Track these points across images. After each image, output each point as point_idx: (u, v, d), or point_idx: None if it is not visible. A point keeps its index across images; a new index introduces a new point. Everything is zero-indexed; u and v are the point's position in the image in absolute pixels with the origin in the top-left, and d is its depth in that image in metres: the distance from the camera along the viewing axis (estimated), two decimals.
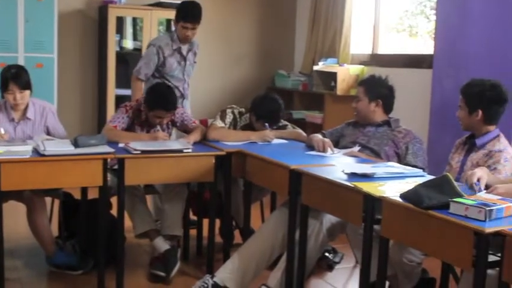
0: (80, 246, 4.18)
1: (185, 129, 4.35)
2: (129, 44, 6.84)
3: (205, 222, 4.23)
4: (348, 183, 3.04)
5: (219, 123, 4.34)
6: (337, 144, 4.02)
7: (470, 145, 3.44)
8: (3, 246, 3.57)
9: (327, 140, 3.93)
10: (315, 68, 6.64)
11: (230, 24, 7.42)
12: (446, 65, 5.18)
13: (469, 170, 3.26)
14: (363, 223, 2.98)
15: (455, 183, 2.68)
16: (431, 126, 5.30)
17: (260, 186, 4.14)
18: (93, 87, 6.91)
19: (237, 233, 4.57)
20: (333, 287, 4.09)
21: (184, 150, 3.84)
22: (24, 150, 3.49)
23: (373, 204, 2.89)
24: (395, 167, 3.39)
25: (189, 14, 4.77)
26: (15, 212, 4.37)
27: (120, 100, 6.11)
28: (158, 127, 4.22)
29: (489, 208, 2.42)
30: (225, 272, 3.69)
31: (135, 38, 6.93)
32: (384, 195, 2.82)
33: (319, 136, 4.02)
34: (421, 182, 2.80)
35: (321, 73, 6.56)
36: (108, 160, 3.66)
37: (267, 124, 4.26)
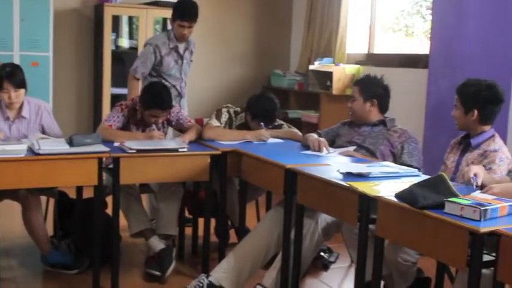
0: (75, 245, 4.17)
1: (180, 129, 4.35)
2: (125, 42, 6.83)
3: (201, 221, 4.24)
4: (343, 183, 3.04)
5: (215, 122, 4.33)
6: (332, 144, 4.02)
7: (465, 145, 3.45)
8: None
9: (322, 139, 3.93)
10: (311, 67, 6.63)
11: (226, 23, 7.42)
12: (442, 65, 5.18)
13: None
14: (358, 223, 2.98)
15: (451, 183, 2.69)
16: (426, 126, 5.30)
17: (255, 186, 4.13)
18: (89, 86, 6.90)
19: (232, 232, 4.57)
20: (328, 286, 4.09)
21: (180, 150, 3.84)
22: (19, 149, 3.48)
23: (369, 203, 2.89)
24: (390, 166, 3.39)
25: (185, 13, 4.77)
26: (11, 211, 4.37)
27: (115, 99, 6.10)
28: (153, 126, 4.21)
29: (484, 208, 2.42)
30: (220, 272, 3.69)
31: (131, 36, 6.91)
32: (379, 195, 2.83)
33: (314, 136, 4.02)
34: (416, 181, 2.80)
35: (317, 72, 6.56)
36: (104, 159, 3.66)
37: (262, 123, 4.26)
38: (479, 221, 2.39)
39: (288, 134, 4.42)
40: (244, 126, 4.38)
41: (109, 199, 3.87)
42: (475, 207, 2.42)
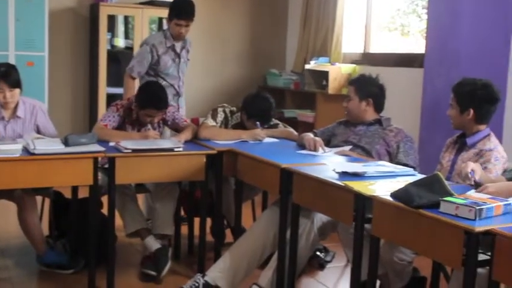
0: (71, 245, 4.16)
1: (176, 128, 4.35)
2: (120, 42, 6.82)
3: (197, 221, 4.23)
4: (339, 182, 3.04)
5: (210, 122, 4.33)
6: (328, 143, 4.02)
7: (461, 144, 3.45)
8: None
9: (318, 139, 3.93)
10: (307, 66, 6.63)
11: (222, 22, 7.41)
12: (438, 64, 5.18)
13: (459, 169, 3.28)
14: (353, 222, 2.97)
15: (446, 182, 2.69)
16: (422, 125, 5.31)
17: (251, 185, 4.13)
18: (85, 85, 6.89)
19: (228, 232, 4.57)
20: (324, 285, 4.09)
21: (175, 149, 3.84)
22: (14, 149, 3.47)
23: (364, 203, 2.89)
24: (386, 166, 3.39)
25: (182, 11, 4.78)
26: (6, 211, 4.36)
27: (111, 99, 6.09)
28: (149, 126, 4.21)
29: (479, 207, 2.42)
30: (216, 271, 3.68)
31: (126, 36, 6.91)
32: (375, 194, 2.83)
33: (310, 135, 4.02)
34: (411, 181, 2.80)
35: (313, 72, 6.56)
36: (99, 159, 3.66)
37: (258, 123, 4.26)
38: (475, 220, 2.39)
39: (283, 134, 4.42)
40: (240, 126, 4.38)
41: (104, 199, 3.87)
42: (470, 206, 2.42)
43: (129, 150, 3.68)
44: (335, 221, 3.56)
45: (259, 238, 3.73)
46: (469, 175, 2.91)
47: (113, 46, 6.74)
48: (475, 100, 3.33)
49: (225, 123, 4.42)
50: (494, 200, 2.55)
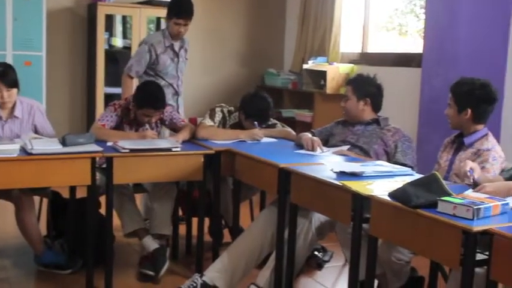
0: (69, 245, 4.16)
1: (174, 128, 4.34)
2: (118, 42, 6.81)
3: (195, 221, 4.23)
4: (337, 182, 3.04)
5: (208, 121, 4.33)
6: (326, 143, 4.02)
7: (458, 144, 3.46)
8: None
9: (316, 138, 3.93)
10: (305, 66, 6.63)
11: (220, 22, 7.41)
12: (435, 64, 5.19)
13: (457, 168, 3.28)
14: (351, 222, 2.97)
15: (444, 182, 2.69)
16: (420, 124, 5.31)
17: (249, 185, 4.13)
18: (82, 85, 6.88)
19: (226, 231, 4.57)
20: (322, 285, 4.09)
21: (173, 149, 3.83)
22: (11, 149, 3.47)
23: (362, 203, 2.89)
24: (384, 165, 3.39)
25: (181, 10, 4.79)
26: (4, 211, 4.36)
27: (109, 98, 6.09)
28: (147, 126, 4.21)
29: (477, 207, 2.42)
30: (214, 271, 3.68)
31: (124, 36, 6.90)
32: (373, 194, 2.83)
33: (308, 135, 4.02)
34: (409, 180, 2.80)
35: (311, 72, 6.56)
36: (97, 159, 3.65)
37: (256, 123, 4.26)
38: (472, 220, 2.39)
39: (281, 133, 4.42)
40: (238, 126, 4.38)
41: (102, 199, 3.86)
42: (468, 206, 2.42)
43: (127, 150, 3.68)
44: (333, 220, 3.55)
45: (257, 238, 3.73)
46: (468, 173, 2.91)
47: (110, 46, 6.74)
48: (473, 100, 3.33)
49: (223, 123, 4.42)
50: (492, 199, 2.55)
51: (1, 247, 4.42)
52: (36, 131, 4.07)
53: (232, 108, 4.47)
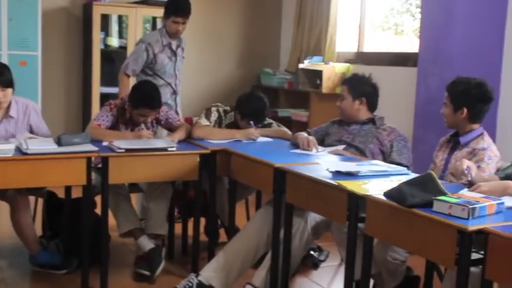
0: (64, 245, 4.15)
1: (170, 128, 4.34)
2: (114, 41, 6.80)
3: (191, 220, 4.22)
4: (332, 182, 3.04)
5: (204, 121, 4.32)
6: (322, 143, 4.02)
7: (454, 143, 3.46)
8: None
9: (311, 137, 3.93)
10: (301, 66, 6.62)
11: (216, 22, 7.40)
12: (431, 64, 5.19)
13: (453, 167, 3.28)
14: (347, 221, 2.97)
15: (439, 181, 2.68)
16: (415, 124, 5.31)
17: (245, 185, 4.13)
18: (78, 85, 6.87)
19: (222, 231, 4.56)
20: (318, 285, 4.09)
21: (169, 149, 3.83)
22: (6, 148, 3.46)
23: (357, 202, 2.89)
24: (379, 165, 3.39)
25: (180, 8, 4.80)
26: None
27: (105, 98, 6.06)
28: (142, 125, 4.20)
29: (472, 206, 2.42)
30: (209, 271, 3.68)
31: (120, 35, 6.89)
32: (368, 194, 2.83)
33: (304, 134, 4.01)
34: (405, 180, 2.80)
35: (307, 71, 6.55)
36: (92, 159, 3.64)
37: (252, 122, 4.26)
38: (468, 219, 2.40)
39: (277, 133, 4.42)
40: (233, 125, 4.37)
41: (98, 199, 3.86)
42: (464, 205, 2.43)
43: (123, 150, 3.67)
44: (329, 220, 3.55)
45: (253, 238, 3.72)
46: (465, 171, 2.91)
47: (106, 45, 6.72)
48: (468, 99, 3.34)
49: (219, 123, 4.41)
50: (487, 199, 2.56)
51: None
52: (31, 131, 4.05)
53: (228, 108, 4.47)
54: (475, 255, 2.42)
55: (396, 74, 5.65)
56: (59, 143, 3.60)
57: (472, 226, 2.34)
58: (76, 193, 3.93)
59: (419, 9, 5.72)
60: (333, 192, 3.03)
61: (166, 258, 4.18)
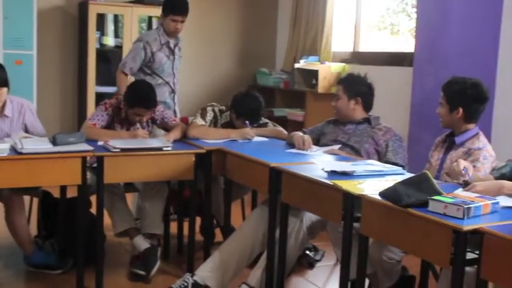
0: (59, 245, 4.14)
1: (165, 127, 4.33)
2: (110, 41, 6.78)
3: (186, 220, 4.22)
4: (328, 181, 3.04)
5: (200, 121, 4.32)
6: (317, 142, 4.02)
7: (449, 143, 3.46)
8: None
9: (307, 136, 3.93)
10: (297, 65, 6.63)
11: (212, 21, 7.39)
12: (427, 63, 5.19)
13: (449, 167, 3.28)
14: (342, 221, 2.97)
15: (434, 181, 2.69)
16: (411, 123, 5.32)
17: (241, 184, 4.12)
18: (73, 84, 6.86)
19: (217, 231, 4.56)
20: (313, 284, 4.09)
21: (164, 148, 3.82)
22: (1, 148, 3.44)
23: (353, 202, 2.89)
24: (375, 164, 3.40)
25: (178, 7, 4.81)
26: None
27: (100, 98, 6.04)
28: (138, 125, 4.19)
29: (467, 206, 2.42)
30: (205, 271, 3.68)
31: (116, 35, 6.87)
32: (363, 193, 2.83)
33: (299, 134, 4.01)
34: (400, 179, 2.80)
35: (303, 71, 6.56)
36: (87, 158, 3.64)
37: (247, 122, 4.25)
38: (463, 219, 2.40)
39: (273, 133, 4.42)
40: (229, 125, 4.37)
41: (93, 198, 3.85)
42: (459, 205, 2.43)
43: (118, 150, 3.67)
44: (324, 220, 3.55)
45: (249, 237, 3.72)
46: (463, 172, 2.92)
47: (102, 45, 6.70)
48: (464, 99, 3.34)
49: (214, 122, 4.41)
50: (482, 198, 2.56)
51: None
52: (26, 130, 4.03)
53: (223, 108, 4.47)
54: (470, 255, 2.42)
55: (392, 74, 5.66)
56: (54, 142, 3.59)
57: (467, 226, 2.35)
58: (71, 193, 3.92)
59: (415, 9, 5.72)
60: (328, 192, 3.03)
61: (162, 257, 4.17)
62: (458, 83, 3.38)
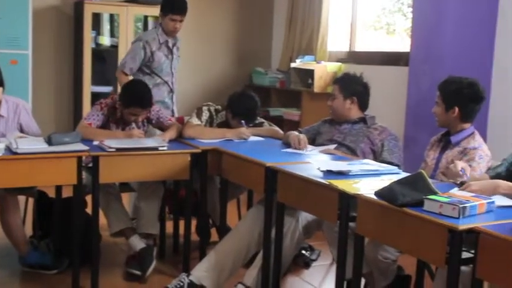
0: (55, 245, 4.13)
1: (161, 127, 4.33)
2: (105, 40, 6.76)
3: (182, 220, 4.21)
4: (323, 181, 3.04)
5: (195, 120, 4.31)
6: (313, 142, 4.02)
7: (445, 142, 3.47)
8: None
9: (302, 136, 3.92)
10: (292, 65, 6.62)
11: (208, 21, 7.38)
12: (423, 63, 5.19)
13: (445, 167, 3.29)
14: (338, 221, 2.97)
15: (430, 181, 2.69)
16: (407, 123, 5.31)
17: (236, 184, 4.12)
18: (69, 84, 6.83)
19: (213, 231, 4.56)
20: (309, 284, 4.09)
21: (160, 148, 3.82)
22: None
23: (348, 201, 2.89)
24: (370, 164, 3.40)
25: (177, 6, 4.82)
26: None
27: (96, 97, 6.03)
28: (133, 125, 4.19)
29: (463, 205, 2.43)
30: (201, 270, 3.67)
31: (112, 34, 6.86)
32: (359, 193, 2.83)
33: (295, 133, 4.01)
34: (396, 179, 2.80)
35: (298, 70, 6.55)
36: (83, 158, 3.63)
37: (243, 121, 4.25)
38: (458, 218, 2.40)
39: (268, 132, 4.42)
40: (225, 125, 4.37)
41: (88, 198, 3.84)
42: (454, 204, 2.43)
43: (113, 149, 3.66)
44: (320, 219, 3.55)
45: (244, 237, 3.72)
46: (460, 173, 2.92)
47: (97, 44, 6.68)
48: (460, 98, 3.35)
49: (210, 122, 4.40)
50: (477, 198, 2.56)
51: None
52: (21, 130, 4.03)
53: (219, 107, 4.46)
54: (465, 254, 2.42)
55: (388, 73, 5.66)
56: (49, 142, 3.58)
57: (463, 225, 2.35)
58: (67, 192, 3.91)
59: (411, 9, 5.72)
60: (324, 192, 3.03)
61: (158, 257, 4.17)
62: (455, 82, 3.39)
